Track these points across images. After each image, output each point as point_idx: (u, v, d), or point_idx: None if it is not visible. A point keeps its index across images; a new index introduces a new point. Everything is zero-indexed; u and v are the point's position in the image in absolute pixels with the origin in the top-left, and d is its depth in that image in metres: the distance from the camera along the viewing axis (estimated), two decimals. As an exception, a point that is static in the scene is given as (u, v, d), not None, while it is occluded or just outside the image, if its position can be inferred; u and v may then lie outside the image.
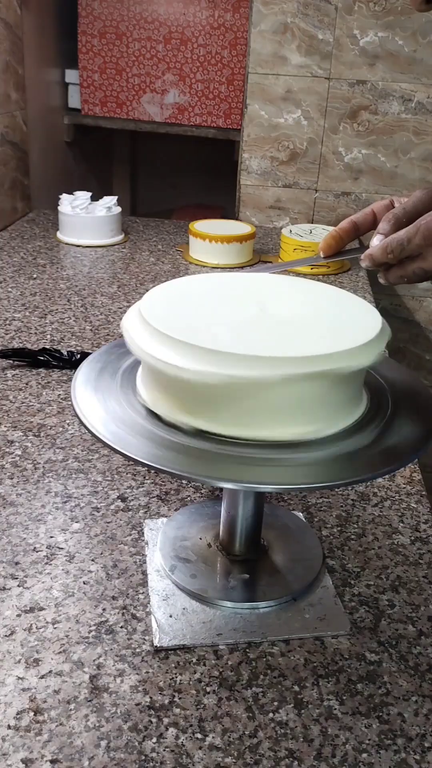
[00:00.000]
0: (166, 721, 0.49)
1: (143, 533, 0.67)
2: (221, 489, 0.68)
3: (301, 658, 0.55)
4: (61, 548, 0.64)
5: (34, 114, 1.82)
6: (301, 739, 0.48)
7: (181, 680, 0.52)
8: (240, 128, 1.82)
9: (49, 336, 1.09)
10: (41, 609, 0.57)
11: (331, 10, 1.65)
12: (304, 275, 1.48)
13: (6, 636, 0.54)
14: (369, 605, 0.60)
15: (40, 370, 0.98)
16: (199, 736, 0.48)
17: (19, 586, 0.59)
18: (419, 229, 0.59)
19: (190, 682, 0.52)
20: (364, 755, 0.47)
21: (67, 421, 0.85)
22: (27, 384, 0.94)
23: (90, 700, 0.50)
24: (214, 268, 1.49)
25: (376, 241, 0.62)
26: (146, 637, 0.55)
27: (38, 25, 1.81)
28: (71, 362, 0.98)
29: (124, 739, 0.47)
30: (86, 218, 1.56)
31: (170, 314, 0.53)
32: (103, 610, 0.58)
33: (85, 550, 0.64)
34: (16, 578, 0.60)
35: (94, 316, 1.18)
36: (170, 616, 0.57)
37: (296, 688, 0.52)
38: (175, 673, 0.53)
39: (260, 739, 0.48)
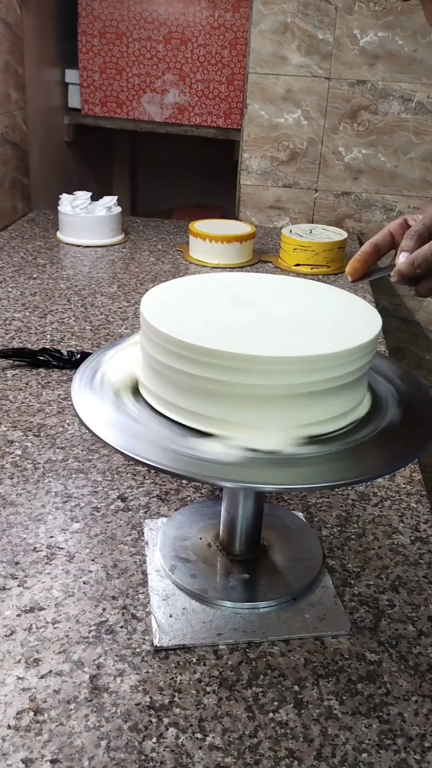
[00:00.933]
0: (166, 721, 0.49)
1: (143, 533, 0.67)
2: (221, 489, 0.68)
3: (301, 658, 0.55)
4: (61, 548, 0.64)
5: (34, 114, 1.82)
6: (301, 739, 0.48)
7: (181, 680, 0.52)
8: (240, 128, 1.82)
9: (49, 336, 1.09)
10: (41, 609, 0.57)
11: (331, 9, 1.65)
12: (305, 275, 1.48)
13: (6, 636, 0.54)
14: (369, 605, 0.60)
15: (40, 370, 0.98)
16: (199, 736, 0.48)
17: (19, 586, 0.59)
18: None
19: (190, 682, 0.52)
20: (364, 755, 0.47)
21: (67, 421, 0.85)
22: (27, 384, 0.94)
23: (90, 700, 0.50)
24: (214, 268, 1.49)
25: (402, 258, 0.64)
26: (146, 637, 0.55)
27: (38, 25, 1.81)
28: (71, 362, 0.98)
29: (124, 739, 0.47)
30: (86, 218, 1.56)
31: (170, 314, 0.53)
32: (103, 610, 0.58)
33: (85, 550, 0.64)
34: (16, 578, 0.60)
35: (94, 316, 1.18)
36: (170, 616, 0.57)
37: (296, 688, 0.52)
38: (175, 673, 0.53)
39: (260, 739, 0.48)
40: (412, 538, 0.69)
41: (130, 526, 0.68)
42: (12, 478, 0.74)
